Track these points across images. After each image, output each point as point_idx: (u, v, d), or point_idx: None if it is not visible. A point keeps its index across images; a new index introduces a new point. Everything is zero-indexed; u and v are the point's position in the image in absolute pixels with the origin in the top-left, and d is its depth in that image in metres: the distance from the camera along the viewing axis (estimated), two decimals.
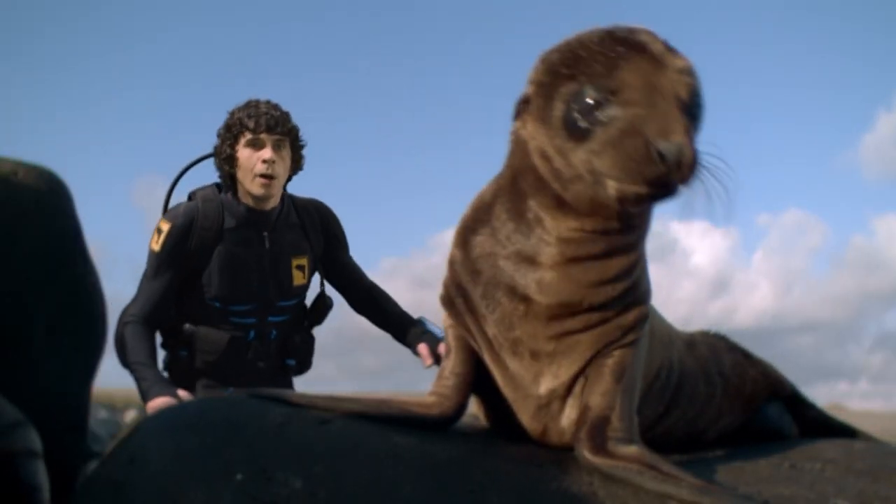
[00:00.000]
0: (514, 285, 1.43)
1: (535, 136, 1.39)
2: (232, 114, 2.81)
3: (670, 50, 1.31)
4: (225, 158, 2.76)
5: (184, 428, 1.33)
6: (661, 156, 1.20)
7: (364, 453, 1.29)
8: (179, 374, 2.72)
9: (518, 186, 1.45)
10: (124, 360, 2.51)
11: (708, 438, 1.87)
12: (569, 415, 1.47)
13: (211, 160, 2.86)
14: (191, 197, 2.85)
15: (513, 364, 1.47)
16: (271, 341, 2.79)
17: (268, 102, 2.78)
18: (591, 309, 1.41)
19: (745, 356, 2.01)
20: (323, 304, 2.96)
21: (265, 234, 2.74)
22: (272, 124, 2.68)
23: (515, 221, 1.44)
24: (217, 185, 2.85)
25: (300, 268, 2.80)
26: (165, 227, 2.66)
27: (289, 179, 2.83)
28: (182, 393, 2.40)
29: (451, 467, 1.31)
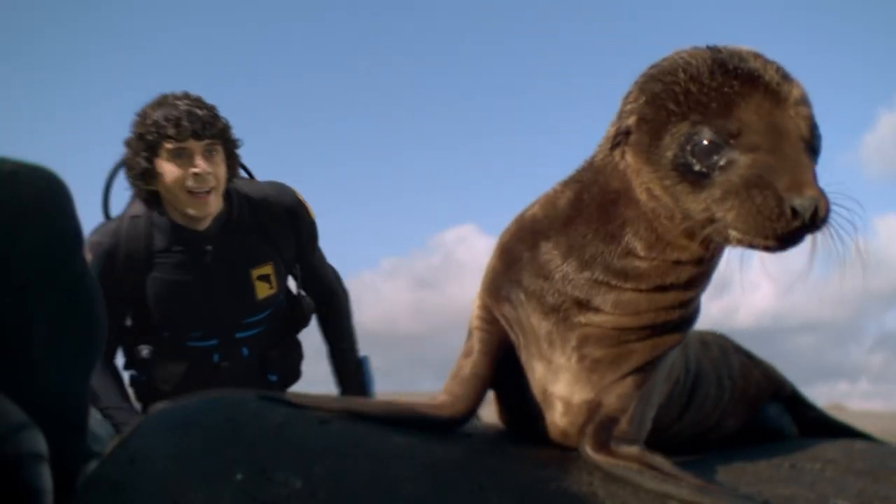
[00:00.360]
0: (588, 299, 1.39)
1: (640, 172, 1.32)
2: (143, 116, 2.26)
3: (784, 77, 1.24)
4: (140, 174, 2.26)
5: (184, 428, 1.33)
6: (795, 212, 1.13)
7: (364, 453, 1.29)
8: (142, 396, 2.46)
9: (614, 211, 1.38)
10: (96, 405, 2.28)
11: (711, 440, 1.87)
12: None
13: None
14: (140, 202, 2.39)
15: (558, 359, 1.44)
16: (245, 359, 2.44)
17: (187, 96, 2.26)
18: (656, 326, 1.40)
19: (749, 357, 2.01)
20: (300, 310, 2.56)
21: (207, 248, 2.32)
22: (199, 128, 2.19)
23: (605, 243, 1.38)
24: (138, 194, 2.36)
25: (264, 278, 2.39)
26: (88, 256, 2.15)
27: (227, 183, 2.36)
28: None
29: (451, 467, 1.31)
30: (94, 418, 2.33)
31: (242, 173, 2.52)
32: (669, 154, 1.25)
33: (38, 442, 1.20)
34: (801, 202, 1.14)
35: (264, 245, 2.39)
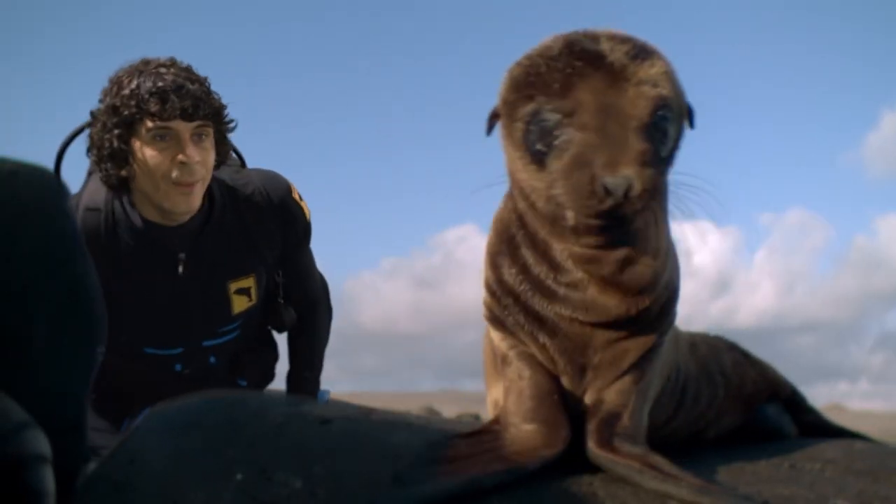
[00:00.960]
0: (559, 314, 1.39)
1: (507, 153, 1.37)
2: (118, 84, 1.82)
3: (635, 57, 1.25)
4: (110, 155, 1.83)
5: (184, 428, 1.33)
6: (608, 191, 1.17)
7: (364, 453, 1.29)
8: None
9: (518, 211, 1.42)
10: None
11: (708, 437, 1.87)
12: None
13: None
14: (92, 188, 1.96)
15: (566, 375, 1.44)
16: (212, 367, 2.13)
17: (174, 64, 1.82)
18: (639, 315, 1.39)
19: (745, 356, 2.01)
20: (279, 320, 2.20)
21: (180, 256, 1.92)
22: (190, 106, 1.77)
23: (532, 249, 1.40)
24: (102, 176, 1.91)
25: (244, 291, 2.04)
26: None
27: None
28: None
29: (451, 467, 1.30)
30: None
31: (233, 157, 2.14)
32: (518, 134, 1.29)
33: (41, 443, 1.20)
34: (612, 181, 1.17)
35: (246, 253, 2.01)
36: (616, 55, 1.24)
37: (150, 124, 1.78)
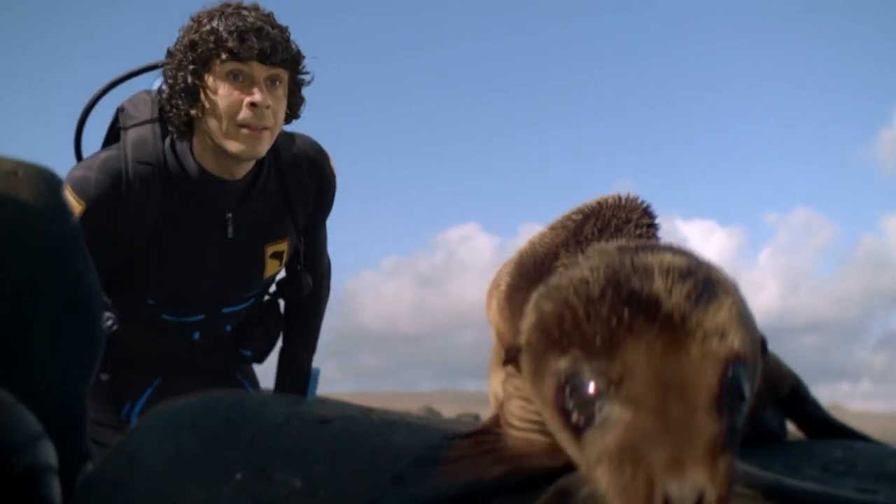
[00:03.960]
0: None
1: (533, 398, 1.16)
2: (198, 21, 1.80)
3: (699, 299, 0.98)
4: (183, 90, 1.79)
5: (183, 428, 1.33)
6: (669, 502, 0.88)
7: (364, 453, 1.29)
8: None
9: None
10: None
11: None
12: None
13: (154, 81, 1.92)
14: (115, 133, 1.92)
15: None
16: (226, 334, 2.13)
17: (257, 9, 1.80)
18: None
19: None
20: (297, 289, 2.13)
21: (229, 216, 1.89)
22: (267, 49, 1.73)
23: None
24: (157, 118, 1.87)
25: (277, 255, 2.02)
26: (76, 207, 1.75)
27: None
28: None
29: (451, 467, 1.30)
30: None
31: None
32: (550, 393, 1.03)
33: (51, 452, 1.20)
34: (678, 489, 0.88)
35: (284, 216, 1.98)
36: (675, 299, 0.97)
37: (226, 62, 1.74)
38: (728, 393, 0.98)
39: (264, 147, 1.81)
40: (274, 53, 1.74)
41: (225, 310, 2.06)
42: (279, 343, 2.29)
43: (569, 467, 1.33)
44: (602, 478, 0.94)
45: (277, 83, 1.80)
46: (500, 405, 1.47)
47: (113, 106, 1.99)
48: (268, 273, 2.03)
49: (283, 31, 1.81)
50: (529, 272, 1.29)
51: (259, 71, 1.76)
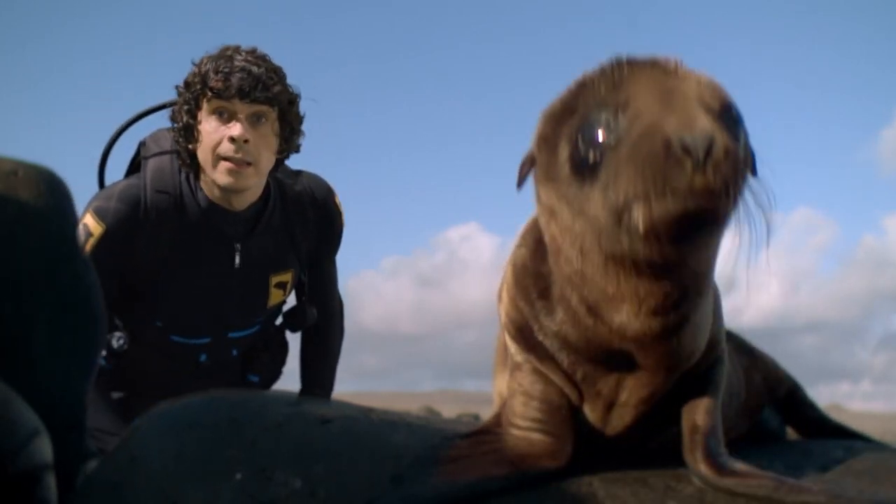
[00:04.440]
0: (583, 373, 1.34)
1: (543, 197, 1.22)
2: (198, 64, 1.94)
3: (686, 65, 1.12)
4: (183, 128, 1.94)
5: (184, 427, 1.33)
6: (687, 150, 0.96)
7: (364, 453, 1.29)
8: (106, 388, 2.11)
9: (545, 267, 1.31)
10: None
11: None
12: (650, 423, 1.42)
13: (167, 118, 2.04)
14: (137, 164, 2.04)
15: (589, 402, 1.39)
16: (232, 359, 2.20)
17: (252, 52, 1.92)
18: (672, 379, 1.34)
19: (749, 354, 1.97)
20: (301, 319, 2.24)
21: (237, 246, 2.00)
22: (246, 87, 1.83)
23: (563, 312, 1.29)
24: (175, 151, 2.00)
25: (281, 285, 2.12)
26: (96, 229, 1.89)
27: (278, 164, 2.01)
28: None
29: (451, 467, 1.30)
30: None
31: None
32: (565, 155, 1.11)
33: (47, 450, 1.20)
34: (690, 136, 0.96)
35: (288, 249, 2.09)
36: (669, 61, 1.11)
37: (212, 100, 1.88)
38: (726, 118, 1.06)
39: (248, 181, 1.91)
40: (253, 90, 1.84)
41: (231, 334, 2.14)
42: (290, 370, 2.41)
43: (568, 466, 1.33)
44: (623, 177, 1.00)
45: (262, 119, 1.89)
46: (503, 404, 1.47)
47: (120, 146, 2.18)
48: (272, 301, 2.13)
49: (274, 71, 1.91)
50: (539, 250, 1.34)
51: (241, 108, 1.87)
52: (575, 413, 1.40)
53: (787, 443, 1.95)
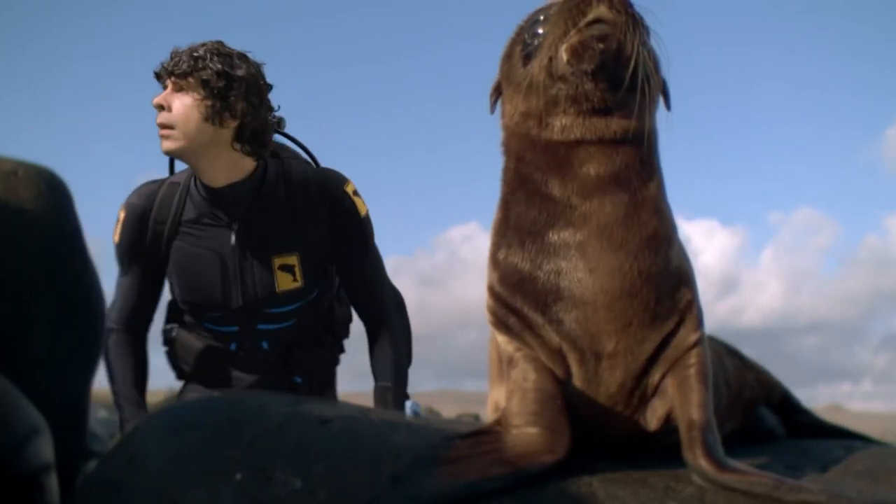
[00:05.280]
0: (560, 283, 1.40)
1: (511, 104, 1.48)
2: None
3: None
4: None
5: (184, 427, 1.33)
6: None
7: (364, 453, 1.29)
8: (176, 374, 2.34)
9: (522, 177, 1.46)
10: (110, 381, 2.19)
11: None
12: (641, 410, 1.44)
13: None
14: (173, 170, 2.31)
15: (579, 370, 1.42)
16: (265, 352, 2.23)
17: (207, 42, 2.12)
18: (644, 281, 1.38)
19: (741, 359, 2.00)
20: (332, 317, 2.31)
21: (233, 226, 2.13)
22: (172, 65, 2.06)
23: (536, 209, 1.43)
24: None
25: (287, 269, 2.16)
26: (121, 215, 2.16)
27: (245, 133, 2.09)
28: None
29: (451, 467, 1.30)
30: (94, 418, 2.32)
31: (306, 157, 2.35)
32: (519, 55, 1.45)
33: (47, 449, 1.20)
34: None
35: (292, 230, 2.14)
36: None
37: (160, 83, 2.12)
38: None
39: (173, 144, 2.06)
40: (177, 66, 2.05)
41: (259, 325, 2.20)
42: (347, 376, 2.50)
43: (567, 460, 1.34)
44: (549, 33, 1.39)
45: (184, 90, 2.07)
46: (502, 410, 1.48)
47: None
48: (280, 286, 2.17)
49: (210, 51, 2.08)
50: (501, 232, 1.49)
51: (168, 82, 2.09)
52: (573, 405, 1.41)
53: (787, 443, 1.96)
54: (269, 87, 2.18)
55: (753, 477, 1.29)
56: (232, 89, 2.07)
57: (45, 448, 1.20)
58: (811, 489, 1.27)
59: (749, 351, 2.08)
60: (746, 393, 1.93)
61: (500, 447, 1.36)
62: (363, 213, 2.21)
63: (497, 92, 1.54)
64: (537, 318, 1.43)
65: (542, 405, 1.39)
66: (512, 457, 1.33)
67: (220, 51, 2.11)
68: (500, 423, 1.44)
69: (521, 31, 1.48)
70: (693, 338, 1.43)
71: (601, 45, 1.34)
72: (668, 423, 1.43)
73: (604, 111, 1.39)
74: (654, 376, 1.43)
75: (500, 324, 1.49)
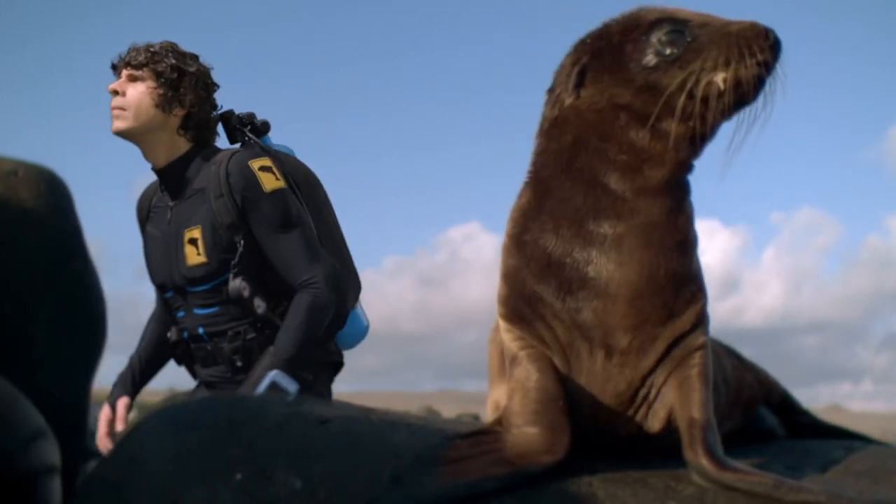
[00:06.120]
0: (587, 272, 1.40)
1: (600, 87, 1.45)
2: None
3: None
4: None
5: (183, 427, 1.33)
6: (769, 33, 1.35)
7: (364, 453, 1.29)
8: None
9: (575, 162, 1.45)
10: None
11: None
12: (643, 410, 1.45)
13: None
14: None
15: (587, 365, 1.43)
16: (204, 340, 2.23)
17: (159, 43, 2.35)
18: (668, 282, 1.40)
19: (740, 359, 2.00)
20: (248, 305, 2.19)
21: (170, 204, 2.30)
22: (127, 57, 2.28)
23: (582, 196, 1.43)
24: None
25: (192, 242, 2.22)
26: None
27: (193, 129, 2.28)
28: (120, 404, 2.23)
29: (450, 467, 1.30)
30: (94, 418, 2.32)
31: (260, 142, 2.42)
32: (637, 54, 1.42)
33: (53, 452, 1.20)
34: (766, 25, 1.36)
35: (198, 204, 2.23)
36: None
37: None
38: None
39: (123, 123, 2.26)
40: (131, 59, 2.27)
41: (195, 310, 2.26)
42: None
43: (566, 460, 1.34)
44: (712, 51, 1.37)
45: (137, 80, 2.28)
46: (503, 409, 1.48)
47: None
48: (189, 260, 2.24)
49: (156, 46, 2.30)
50: (530, 216, 1.49)
51: (124, 73, 2.30)
52: (577, 404, 1.42)
53: (787, 443, 1.95)
54: (216, 87, 2.39)
55: (754, 477, 1.29)
56: (182, 82, 2.29)
57: (49, 451, 1.21)
58: (811, 489, 1.27)
59: (750, 351, 2.08)
60: (745, 392, 1.94)
61: (500, 447, 1.36)
62: (269, 188, 2.19)
63: (582, 70, 1.49)
64: (555, 305, 1.43)
65: (544, 405, 1.39)
66: (512, 457, 1.33)
67: (174, 49, 2.33)
68: (501, 422, 1.44)
69: (639, 26, 1.45)
70: (700, 340, 1.44)
71: (755, 89, 1.37)
72: (669, 423, 1.43)
73: (703, 135, 1.43)
74: (660, 377, 1.43)
75: (512, 313, 1.49)
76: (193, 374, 2.35)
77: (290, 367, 2.11)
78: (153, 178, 2.38)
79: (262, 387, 2.04)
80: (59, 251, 1.81)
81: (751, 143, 1.46)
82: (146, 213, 2.38)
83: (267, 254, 2.22)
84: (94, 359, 2.49)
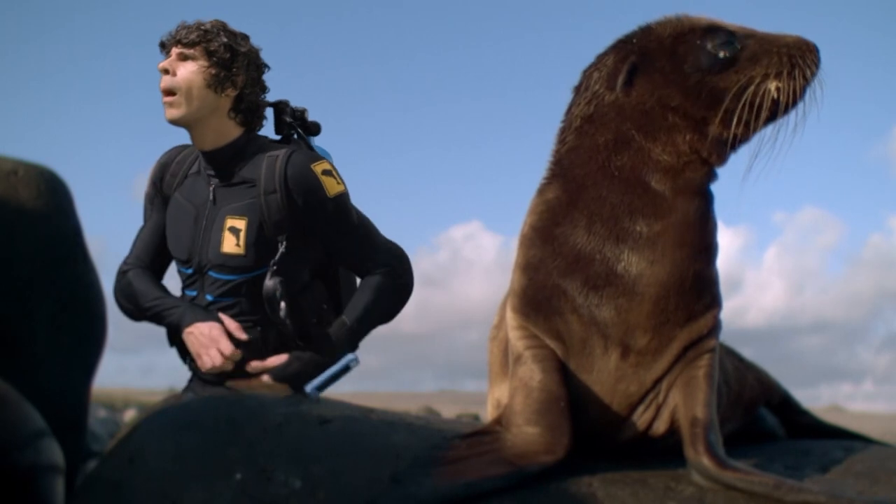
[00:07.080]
0: (617, 269, 1.41)
1: (654, 91, 1.46)
2: None
3: None
4: None
5: (183, 427, 1.33)
6: (815, 48, 1.43)
7: (364, 453, 1.29)
8: None
9: (613, 158, 1.46)
10: (138, 306, 2.20)
11: None
12: (650, 412, 1.45)
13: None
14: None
15: (600, 363, 1.43)
16: (208, 308, 2.20)
17: (210, 21, 2.28)
18: (693, 284, 1.41)
19: (741, 360, 2.00)
20: (258, 294, 2.16)
21: (213, 182, 2.24)
22: (179, 35, 2.19)
23: (620, 194, 1.43)
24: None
25: (233, 231, 2.19)
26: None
27: (243, 112, 2.22)
28: (225, 321, 2.10)
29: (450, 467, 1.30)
30: (94, 418, 2.32)
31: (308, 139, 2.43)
32: (692, 57, 1.46)
33: (56, 451, 1.20)
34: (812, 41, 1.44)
35: (248, 196, 2.19)
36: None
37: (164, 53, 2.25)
38: None
39: (177, 110, 2.17)
40: (180, 35, 2.18)
41: (206, 297, 2.22)
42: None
43: (566, 460, 1.34)
44: (766, 60, 1.43)
45: (187, 58, 2.19)
46: (504, 407, 1.47)
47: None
48: (224, 247, 2.20)
49: (206, 24, 2.22)
50: (559, 211, 1.50)
51: (174, 51, 2.20)
52: (583, 405, 1.41)
53: (787, 443, 1.95)
54: (267, 68, 2.30)
55: (754, 476, 1.29)
56: (235, 62, 2.22)
57: (49, 451, 1.21)
58: (811, 489, 1.27)
59: (752, 351, 2.09)
60: (746, 393, 1.93)
61: (500, 447, 1.36)
62: (333, 192, 2.19)
63: (632, 69, 1.50)
64: (577, 300, 1.43)
65: (546, 405, 1.39)
66: (511, 456, 1.32)
67: (225, 28, 2.25)
68: (501, 421, 1.44)
69: (693, 31, 1.48)
70: (711, 344, 1.45)
71: (801, 99, 1.44)
72: (672, 425, 1.43)
73: (742, 141, 1.48)
74: (670, 380, 1.44)
75: (528, 304, 1.48)
76: (183, 358, 2.25)
77: (354, 340, 2.19)
78: (150, 177, 2.31)
79: (338, 367, 1.97)
80: (59, 251, 1.81)
81: (781, 151, 1.49)
82: (179, 179, 2.29)
83: (333, 254, 2.27)
84: (93, 358, 2.49)
